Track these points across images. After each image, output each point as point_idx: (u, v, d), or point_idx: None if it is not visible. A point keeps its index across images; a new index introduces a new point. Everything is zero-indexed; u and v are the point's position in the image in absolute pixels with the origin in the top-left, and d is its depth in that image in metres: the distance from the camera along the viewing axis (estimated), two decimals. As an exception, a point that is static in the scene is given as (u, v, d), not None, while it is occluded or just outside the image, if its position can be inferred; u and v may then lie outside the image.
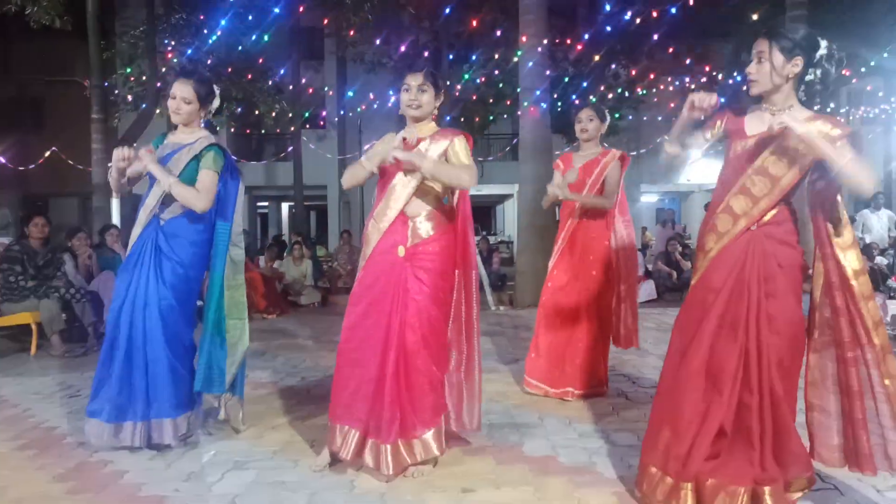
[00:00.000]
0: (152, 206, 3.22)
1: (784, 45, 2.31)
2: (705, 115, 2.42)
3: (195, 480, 2.81)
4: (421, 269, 2.84)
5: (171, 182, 3.13)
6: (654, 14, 10.91)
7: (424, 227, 2.89)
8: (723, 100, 2.47)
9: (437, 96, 2.96)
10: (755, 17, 10.75)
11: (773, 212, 2.39)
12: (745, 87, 2.46)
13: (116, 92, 14.34)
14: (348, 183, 3.02)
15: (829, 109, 14.62)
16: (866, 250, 9.55)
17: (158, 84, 12.26)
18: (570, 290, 4.06)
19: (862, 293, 2.30)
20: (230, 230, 3.36)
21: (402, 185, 2.87)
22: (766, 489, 2.30)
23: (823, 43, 2.32)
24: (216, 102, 3.40)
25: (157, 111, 12.15)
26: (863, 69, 12.76)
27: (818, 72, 2.34)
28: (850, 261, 2.33)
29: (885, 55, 11.39)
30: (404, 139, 2.94)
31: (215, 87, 3.38)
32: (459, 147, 2.93)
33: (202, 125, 3.40)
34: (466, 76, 14.87)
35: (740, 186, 2.39)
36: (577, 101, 13.60)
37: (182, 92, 3.23)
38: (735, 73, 13.47)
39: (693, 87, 14.67)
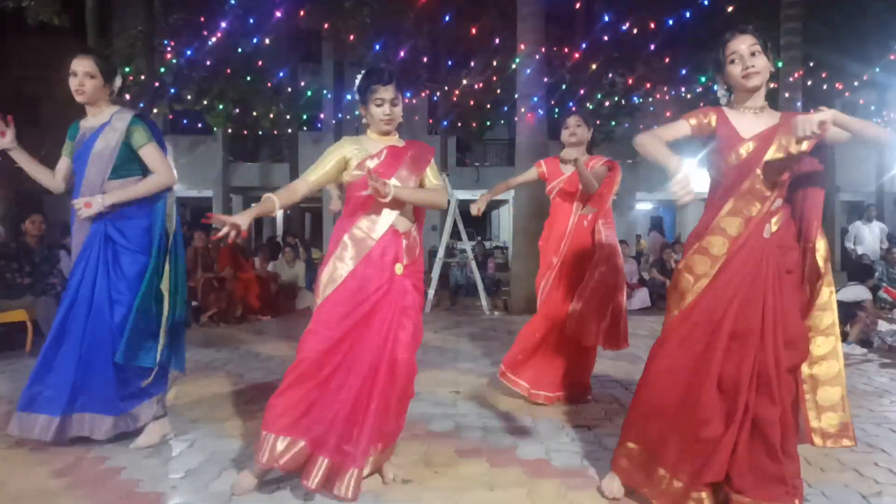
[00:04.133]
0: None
1: (766, 44, 2.40)
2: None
3: (192, 478, 2.84)
4: (413, 290, 2.78)
5: (135, 192, 3.12)
6: (651, 25, 11.02)
7: (415, 244, 2.83)
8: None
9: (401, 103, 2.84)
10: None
11: (779, 216, 2.42)
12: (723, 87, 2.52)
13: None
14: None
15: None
16: (858, 261, 9.65)
17: (157, 84, 12.27)
18: (567, 299, 4.04)
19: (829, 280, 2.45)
20: (165, 203, 3.26)
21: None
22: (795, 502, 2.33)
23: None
24: (118, 81, 3.30)
25: (155, 111, 12.17)
26: (855, 83, 12.90)
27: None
28: (820, 248, 2.47)
29: (878, 70, 11.53)
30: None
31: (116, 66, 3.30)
32: (431, 170, 2.86)
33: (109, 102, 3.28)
34: (465, 82, 14.94)
35: (749, 188, 2.39)
36: (573, 109, 13.69)
37: (83, 66, 3.14)
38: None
39: (689, 96, 14.78)
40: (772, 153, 2.37)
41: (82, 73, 3.16)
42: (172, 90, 14.09)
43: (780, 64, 9.69)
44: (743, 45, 2.39)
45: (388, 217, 2.73)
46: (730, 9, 9.98)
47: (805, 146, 2.34)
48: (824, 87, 12.18)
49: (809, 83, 10.86)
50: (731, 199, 2.42)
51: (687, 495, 2.38)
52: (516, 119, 9.37)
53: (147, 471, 2.90)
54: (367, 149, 2.76)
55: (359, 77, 2.84)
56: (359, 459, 2.57)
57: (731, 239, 2.41)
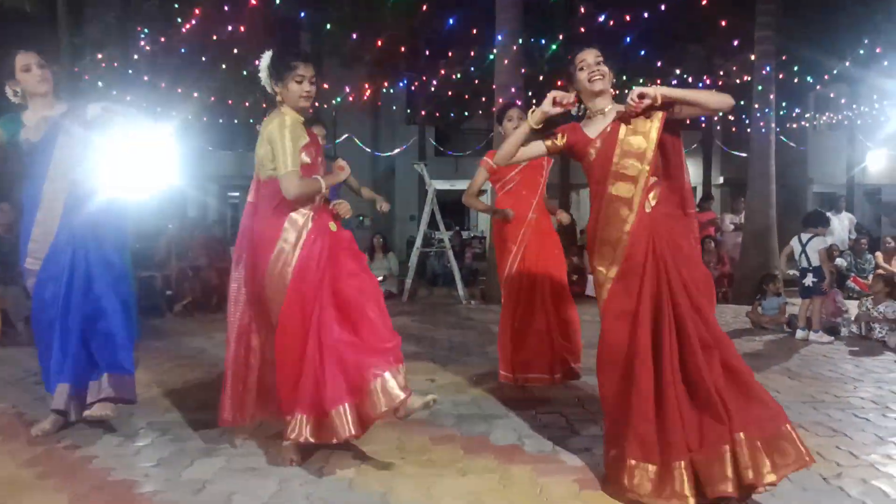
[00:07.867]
0: (62, 197, 3.18)
1: (607, 60, 2.72)
2: (562, 112, 2.69)
3: (165, 466, 2.84)
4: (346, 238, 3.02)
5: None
6: (627, 18, 11.09)
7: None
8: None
9: None
10: (724, 23, 11.00)
11: (655, 192, 2.65)
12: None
13: (86, 77, 14.07)
14: None
15: (794, 114, 14.68)
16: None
17: (130, 71, 12.08)
18: (535, 281, 4.13)
19: None
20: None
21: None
22: (740, 434, 2.37)
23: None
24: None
25: (129, 98, 11.97)
26: (826, 76, 13.09)
27: None
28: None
29: (848, 64, 11.72)
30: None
31: None
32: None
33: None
34: (443, 72, 14.91)
35: (614, 174, 2.64)
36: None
37: (34, 59, 3.15)
38: (705, 77, 13.72)
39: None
40: (623, 135, 2.64)
41: (37, 63, 3.18)
42: (147, 77, 13.84)
43: (752, 57, 9.82)
44: (590, 56, 2.72)
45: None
46: (704, 2, 10.07)
47: (657, 123, 2.61)
48: (796, 80, 12.35)
49: (781, 76, 10.99)
50: (606, 189, 2.66)
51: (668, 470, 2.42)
52: (494, 109, 9.38)
53: (119, 459, 2.89)
54: (303, 137, 2.97)
55: (267, 56, 2.89)
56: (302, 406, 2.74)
57: (622, 220, 2.63)
